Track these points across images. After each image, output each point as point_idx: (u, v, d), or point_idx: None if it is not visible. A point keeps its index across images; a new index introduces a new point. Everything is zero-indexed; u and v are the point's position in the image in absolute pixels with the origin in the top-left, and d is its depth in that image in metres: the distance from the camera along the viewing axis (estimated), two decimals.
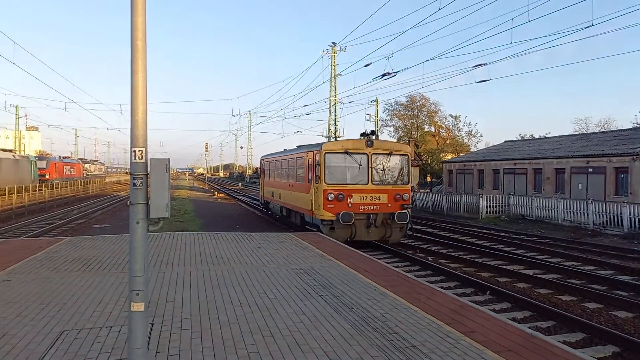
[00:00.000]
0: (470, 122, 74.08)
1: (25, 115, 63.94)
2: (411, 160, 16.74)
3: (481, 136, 74.03)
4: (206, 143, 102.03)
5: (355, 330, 5.67)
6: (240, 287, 7.71)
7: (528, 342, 5.40)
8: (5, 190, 31.40)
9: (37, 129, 77.22)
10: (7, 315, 6.05)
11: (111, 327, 5.65)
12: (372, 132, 15.89)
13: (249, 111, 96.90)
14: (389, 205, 14.93)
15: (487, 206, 26.98)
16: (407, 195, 15.37)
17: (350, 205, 14.64)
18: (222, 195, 48.90)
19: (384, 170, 15.25)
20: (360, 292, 7.50)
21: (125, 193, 51.58)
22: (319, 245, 12.20)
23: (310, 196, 15.80)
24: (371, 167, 14.97)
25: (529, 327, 6.55)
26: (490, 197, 27.75)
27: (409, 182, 15.83)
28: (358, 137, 16.16)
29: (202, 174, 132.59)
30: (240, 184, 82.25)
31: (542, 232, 20.86)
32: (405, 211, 14.97)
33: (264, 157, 25.97)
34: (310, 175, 16.05)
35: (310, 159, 16.14)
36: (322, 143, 16.17)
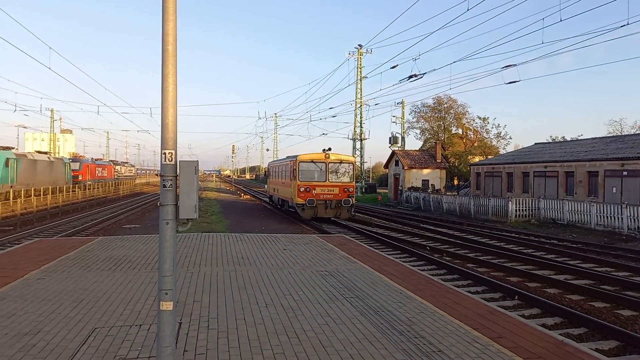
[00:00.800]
0: (499, 124, 72.94)
1: (60, 119, 66.05)
2: (355, 166, 25.30)
3: (510, 138, 72.67)
4: (233, 145, 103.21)
5: (381, 333, 5.64)
6: (266, 288, 7.77)
7: (559, 349, 5.27)
8: (40, 191, 32.47)
9: (71, 131, 79.51)
10: (42, 312, 6.26)
11: (140, 325, 5.78)
12: (329, 149, 23.95)
13: (275, 114, 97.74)
14: (339, 195, 23.18)
15: (516, 210, 26.44)
16: (352, 188, 23.69)
17: (314, 194, 22.84)
18: (249, 197, 49.39)
19: (336, 172, 23.55)
20: (385, 295, 7.46)
21: (155, 194, 52.65)
22: (344, 248, 12.19)
23: (291, 189, 24.07)
24: (328, 171, 23.35)
25: (560, 334, 6.38)
26: (519, 200, 27.18)
27: (353, 180, 24.14)
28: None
29: (229, 176, 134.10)
30: (266, 186, 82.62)
31: (574, 236, 20.29)
32: (350, 198, 23.24)
33: (270, 163, 35.94)
34: (291, 176, 24.15)
35: (291, 165, 24.23)
36: (298, 155, 23.89)
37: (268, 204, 38.30)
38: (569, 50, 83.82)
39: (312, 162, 23.47)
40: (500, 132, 61.34)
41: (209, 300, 6.92)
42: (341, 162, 23.84)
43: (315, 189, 22.97)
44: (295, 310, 6.53)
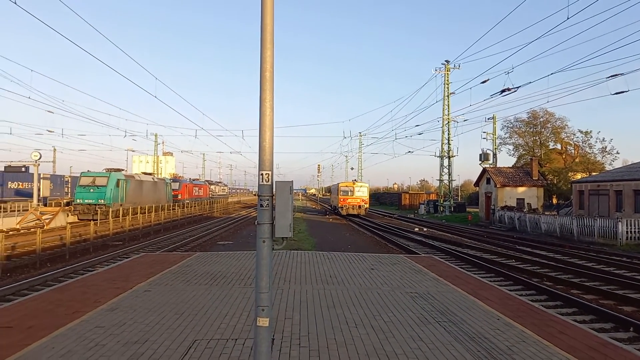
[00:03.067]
0: (604, 138, 66.90)
1: (162, 142, 71.65)
2: (369, 190, 54.33)
3: (618, 153, 65.82)
4: (319, 165, 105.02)
5: None
6: (355, 307, 7.73)
7: None
8: (145, 209, 35.33)
9: (171, 154, 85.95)
10: (148, 322, 6.74)
11: (236, 339, 6.01)
12: (355, 180, 49.78)
13: (360, 133, 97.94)
14: (359, 203, 44.85)
15: (627, 231, 23.96)
16: (365, 200, 45.81)
17: (347, 202, 44.81)
18: (334, 215, 49.75)
19: (357, 191, 45.40)
20: (481, 320, 7.08)
21: (245, 212, 54.99)
22: (434, 269, 11.81)
23: (336, 201, 46.86)
24: (354, 191, 45.46)
25: None
26: (631, 221, 24.62)
27: (366, 195, 46.69)
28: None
29: (314, 194, 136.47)
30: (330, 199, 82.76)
31: None
32: (364, 204, 45.41)
33: (329, 186, 64.31)
34: (337, 193, 47.01)
35: (337, 187, 47.29)
36: (339, 182, 49.78)
37: (352, 222, 38.46)
38: None
39: (346, 186, 46.72)
40: (606, 147, 56.27)
41: (300, 318, 7.02)
42: (361, 186, 46.69)
43: (347, 200, 45.36)
44: (385, 332, 6.41)
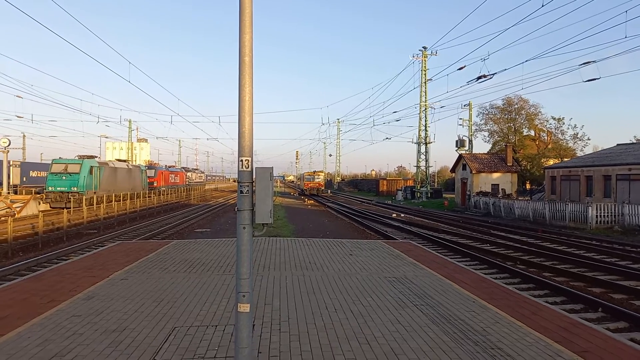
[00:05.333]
0: (575, 125, 68.51)
1: (137, 128, 70.15)
2: (326, 177, 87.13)
3: (588, 139, 67.59)
4: (297, 151, 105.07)
5: (455, 343, 5.48)
6: (334, 293, 7.80)
7: None
8: (120, 197, 34.73)
9: (146, 140, 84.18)
10: (126, 310, 6.68)
11: (216, 326, 6.01)
12: (314, 171, 73.70)
13: (338, 119, 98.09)
14: (317, 186, 67.22)
15: (597, 215, 24.73)
16: (321, 184, 69.44)
17: (309, 186, 66.84)
18: (312, 202, 49.87)
19: (316, 178, 69.53)
20: (457, 303, 7.24)
21: (223, 200, 54.60)
22: (411, 254, 11.99)
23: (303, 184, 70.36)
24: (314, 177, 69.76)
25: None
26: (601, 205, 25.41)
27: (323, 181, 73.07)
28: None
29: (293, 181, 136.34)
30: (329, 191, 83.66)
31: None
32: (320, 188, 67.89)
33: (300, 174, 76.79)
34: (302, 180, 72.23)
35: (302, 176, 73.94)
36: (304, 172, 74.76)
37: (331, 209, 38.63)
38: None
39: (309, 175, 69.38)
40: (577, 133, 57.56)
41: (279, 304, 7.06)
42: (318, 175, 69.78)
43: (309, 184, 66.14)
44: (364, 316, 6.51)
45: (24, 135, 52.13)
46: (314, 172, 71.77)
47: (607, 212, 24.87)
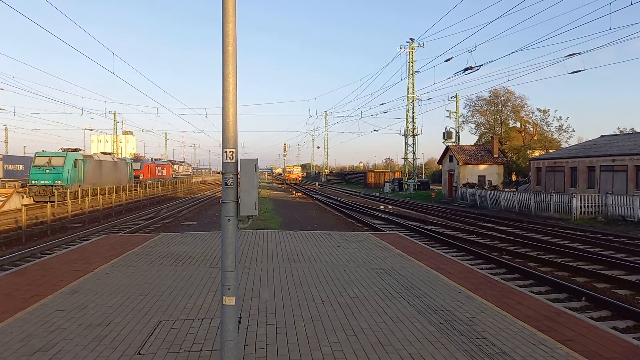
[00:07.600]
0: (560, 117, 69.26)
1: (122, 121, 69.60)
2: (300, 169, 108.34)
3: (573, 131, 68.66)
4: (284, 144, 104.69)
5: (441, 333, 5.51)
6: (321, 285, 7.81)
7: (634, 354, 4.94)
8: (106, 190, 34.33)
9: (132, 133, 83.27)
10: (111, 304, 6.61)
11: (202, 319, 5.97)
12: (294, 165, 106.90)
13: (326, 111, 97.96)
14: (296, 178, 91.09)
15: (581, 206, 25.09)
16: (299, 176, 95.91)
17: (290, 177, 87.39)
18: (300, 194, 49.85)
19: (294, 171, 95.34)
20: (444, 294, 7.29)
21: (210, 192, 54.31)
22: (398, 246, 12.04)
23: (285, 176, 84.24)
24: (293, 170, 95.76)
25: (634, 338, 5.98)
26: (584, 196, 25.77)
27: (300, 173, 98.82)
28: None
29: (280, 174, 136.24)
30: (317, 183, 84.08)
31: None
32: (298, 178, 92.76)
33: (284, 168, 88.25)
34: (285, 172, 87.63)
35: (286, 169, 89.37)
36: (286, 166, 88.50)
37: (319, 201, 38.64)
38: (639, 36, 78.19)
39: (290, 168, 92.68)
40: (562, 125, 58.36)
41: (267, 296, 7.04)
42: (296, 168, 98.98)
43: (290, 175, 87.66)
44: (351, 307, 6.52)
45: (7, 128, 51.21)
46: (293, 166, 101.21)
47: (591, 203, 25.24)
